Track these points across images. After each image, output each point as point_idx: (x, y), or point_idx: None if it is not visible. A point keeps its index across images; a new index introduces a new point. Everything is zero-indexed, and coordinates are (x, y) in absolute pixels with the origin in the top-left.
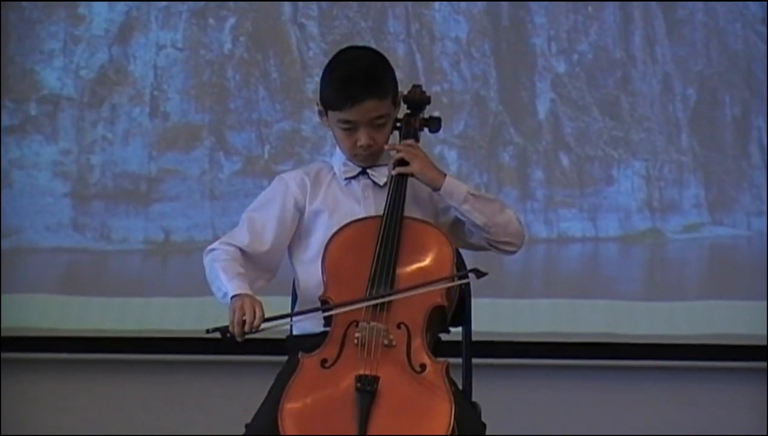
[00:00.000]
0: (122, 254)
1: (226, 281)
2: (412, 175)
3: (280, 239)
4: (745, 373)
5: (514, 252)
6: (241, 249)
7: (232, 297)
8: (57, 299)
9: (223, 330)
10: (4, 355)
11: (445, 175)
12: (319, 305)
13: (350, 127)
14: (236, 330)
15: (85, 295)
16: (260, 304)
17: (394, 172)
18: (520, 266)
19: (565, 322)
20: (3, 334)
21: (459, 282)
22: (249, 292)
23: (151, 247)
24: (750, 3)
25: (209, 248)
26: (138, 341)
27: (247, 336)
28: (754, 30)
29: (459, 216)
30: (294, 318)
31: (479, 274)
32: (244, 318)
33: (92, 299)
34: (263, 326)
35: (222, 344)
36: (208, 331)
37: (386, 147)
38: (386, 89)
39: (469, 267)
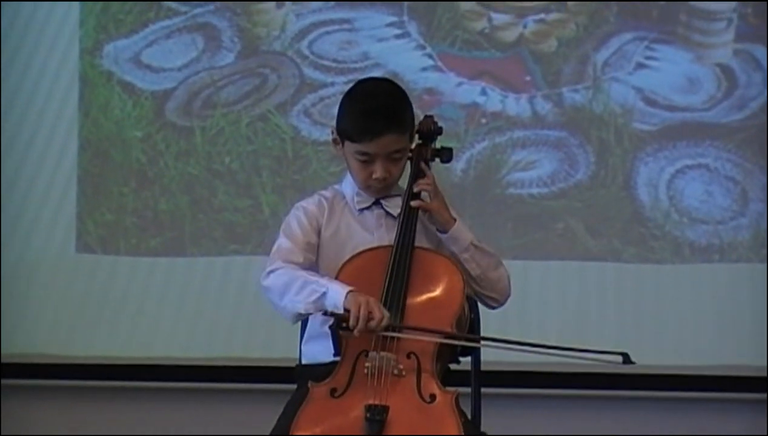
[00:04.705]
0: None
1: (326, 282)
2: (429, 211)
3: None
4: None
5: (495, 308)
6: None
7: (349, 293)
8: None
9: (342, 318)
10: (5, 381)
11: (455, 219)
12: (330, 334)
13: (367, 160)
14: (360, 325)
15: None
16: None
17: (414, 204)
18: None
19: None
20: (3, 360)
21: (605, 359)
22: None
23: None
24: None
25: (269, 269)
26: (144, 369)
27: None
28: None
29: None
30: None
31: (627, 360)
32: (371, 315)
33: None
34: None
35: (232, 372)
36: (325, 313)
37: (415, 188)
38: (405, 124)
39: None
